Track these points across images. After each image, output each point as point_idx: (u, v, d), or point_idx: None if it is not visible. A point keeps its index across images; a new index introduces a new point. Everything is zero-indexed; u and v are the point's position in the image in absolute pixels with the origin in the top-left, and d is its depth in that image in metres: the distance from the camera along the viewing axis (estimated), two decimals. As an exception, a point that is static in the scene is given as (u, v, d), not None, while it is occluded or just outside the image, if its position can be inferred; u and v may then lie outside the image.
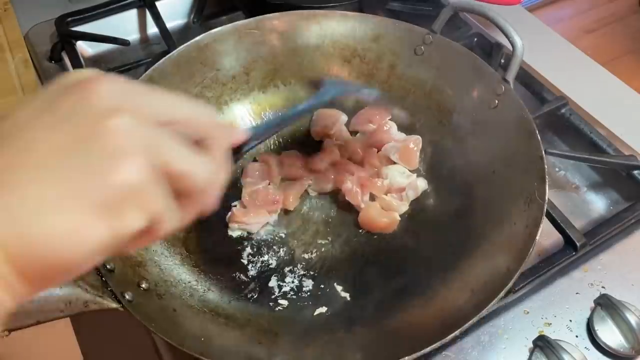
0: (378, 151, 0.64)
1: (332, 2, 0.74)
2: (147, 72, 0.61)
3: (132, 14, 0.85)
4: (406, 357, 0.43)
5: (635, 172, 0.64)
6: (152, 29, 0.85)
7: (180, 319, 0.50)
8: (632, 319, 0.51)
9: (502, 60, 0.77)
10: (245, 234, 0.59)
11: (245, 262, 0.57)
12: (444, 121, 0.65)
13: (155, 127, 0.29)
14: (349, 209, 0.61)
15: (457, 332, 0.44)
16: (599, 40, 2.10)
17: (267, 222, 0.60)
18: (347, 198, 0.60)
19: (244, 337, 0.51)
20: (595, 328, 0.53)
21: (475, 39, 0.80)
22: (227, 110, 0.67)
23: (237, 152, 0.39)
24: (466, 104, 0.63)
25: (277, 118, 0.63)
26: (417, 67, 0.66)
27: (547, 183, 0.51)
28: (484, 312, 0.45)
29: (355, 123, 0.68)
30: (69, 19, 0.81)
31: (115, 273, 0.48)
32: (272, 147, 0.67)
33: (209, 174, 0.32)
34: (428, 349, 0.43)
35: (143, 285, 0.50)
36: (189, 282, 0.54)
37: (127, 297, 0.46)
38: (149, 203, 0.29)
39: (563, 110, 0.70)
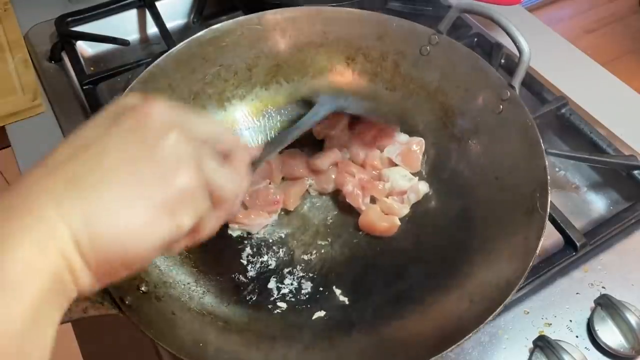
0: (380, 152, 0.64)
1: (332, 2, 0.74)
2: (148, 69, 0.59)
3: (132, 14, 0.85)
4: None
5: (635, 172, 0.64)
6: (152, 29, 0.85)
7: (179, 322, 0.49)
8: (632, 319, 0.51)
9: (503, 61, 0.77)
10: (245, 233, 0.59)
11: (245, 262, 0.57)
12: (448, 123, 0.63)
13: (197, 143, 0.35)
14: (349, 211, 0.61)
15: (454, 347, 0.43)
16: (599, 40, 2.11)
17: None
18: (347, 200, 0.60)
19: (242, 341, 0.50)
20: (596, 328, 0.53)
21: (476, 39, 0.80)
22: (229, 106, 0.66)
23: (252, 165, 0.45)
24: (471, 107, 0.61)
25: (283, 135, 0.62)
26: (422, 67, 0.65)
27: (549, 194, 0.50)
28: (482, 327, 0.44)
29: (358, 123, 0.67)
30: (69, 19, 0.81)
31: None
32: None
33: (236, 187, 0.38)
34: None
35: (142, 288, 0.49)
36: (188, 283, 0.54)
37: (126, 302, 0.46)
38: (199, 205, 0.34)
39: (563, 110, 0.70)
